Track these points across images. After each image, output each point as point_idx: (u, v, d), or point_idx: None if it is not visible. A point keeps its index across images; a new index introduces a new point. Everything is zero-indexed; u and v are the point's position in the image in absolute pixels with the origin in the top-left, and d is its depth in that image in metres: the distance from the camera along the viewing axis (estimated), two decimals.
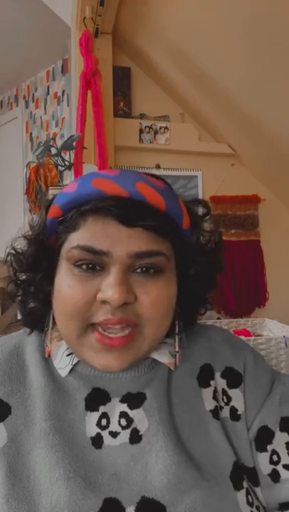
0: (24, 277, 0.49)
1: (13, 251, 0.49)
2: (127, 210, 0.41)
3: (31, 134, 3.01)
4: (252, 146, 1.95)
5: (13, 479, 0.40)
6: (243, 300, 2.04)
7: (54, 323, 0.49)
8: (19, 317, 0.52)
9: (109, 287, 0.41)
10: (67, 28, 1.89)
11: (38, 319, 0.50)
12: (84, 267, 0.42)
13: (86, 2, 1.55)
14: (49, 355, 0.49)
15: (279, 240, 2.14)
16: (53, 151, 1.51)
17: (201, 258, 0.49)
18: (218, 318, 1.83)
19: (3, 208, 3.24)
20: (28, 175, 2.35)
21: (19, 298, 0.49)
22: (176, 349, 0.50)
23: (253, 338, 1.41)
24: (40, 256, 0.47)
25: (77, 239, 0.43)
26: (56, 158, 1.54)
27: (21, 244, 0.48)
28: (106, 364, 0.43)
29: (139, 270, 0.43)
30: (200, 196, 2.01)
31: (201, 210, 0.51)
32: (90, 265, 0.42)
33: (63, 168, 1.59)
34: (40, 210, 0.49)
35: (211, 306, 0.54)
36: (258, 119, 1.68)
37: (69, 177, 1.74)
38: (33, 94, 2.99)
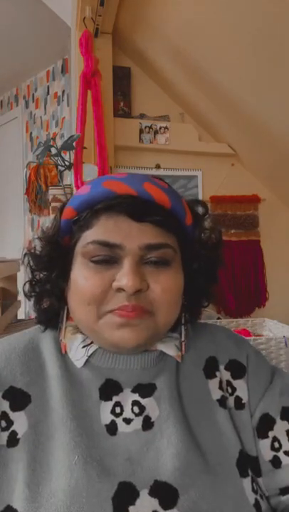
0: (40, 276, 0.53)
1: (30, 251, 0.53)
2: (136, 207, 0.46)
3: (31, 134, 3.01)
4: (252, 146, 1.95)
5: (34, 465, 0.43)
6: (243, 300, 2.04)
7: (67, 318, 0.52)
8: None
9: (123, 276, 0.44)
10: (67, 28, 1.89)
11: (53, 316, 0.53)
12: (99, 260, 0.46)
13: (86, 2, 1.55)
14: (65, 352, 0.51)
15: (279, 240, 2.14)
16: (53, 151, 1.51)
17: (204, 253, 0.53)
18: (218, 318, 1.83)
19: (3, 208, 3.24)
20: (28, 175, 2.36)
21: (34, 296, 0.53)
22: (182, 339, 0.53)
23: (253, 338, 1.41)
24: (55, 255, 0.50)
25: (91, 235, 0.47)
26: (56, 158, 1.54)
27: (37, 246, 0.52)
28: (123, 337, 0.46)
29: (149, 262, 0.47)
30: (200, 196, 2.02)
31: (200, 210, 0.55)
32: (105, 259, 0.46)
33: (63, 168, 1.59)
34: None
35: (214, 300, 0.58)
36: (258, 118, 1.68)
37: (69, 177, 1.75)
38: (33, 94, 2.99)
